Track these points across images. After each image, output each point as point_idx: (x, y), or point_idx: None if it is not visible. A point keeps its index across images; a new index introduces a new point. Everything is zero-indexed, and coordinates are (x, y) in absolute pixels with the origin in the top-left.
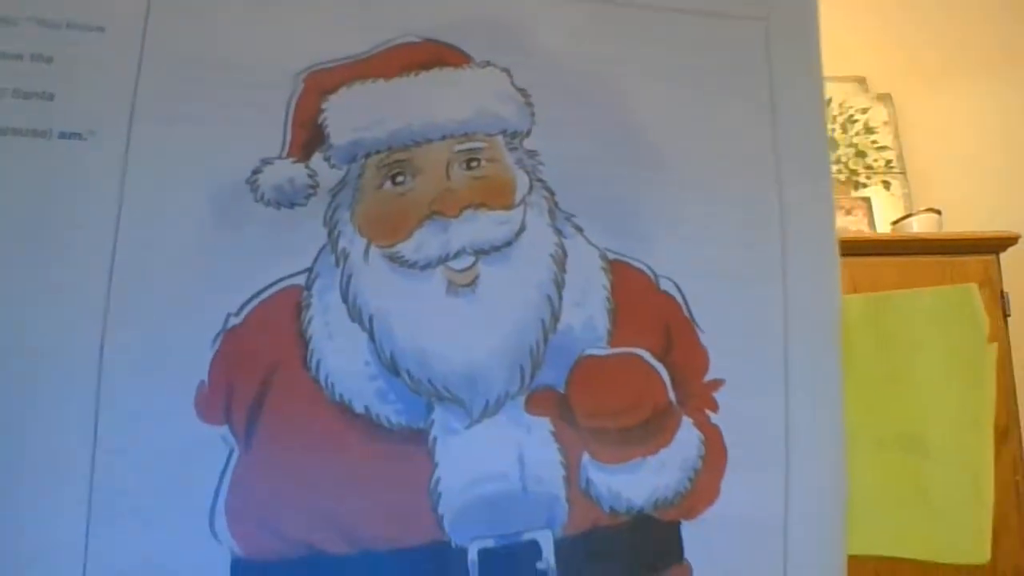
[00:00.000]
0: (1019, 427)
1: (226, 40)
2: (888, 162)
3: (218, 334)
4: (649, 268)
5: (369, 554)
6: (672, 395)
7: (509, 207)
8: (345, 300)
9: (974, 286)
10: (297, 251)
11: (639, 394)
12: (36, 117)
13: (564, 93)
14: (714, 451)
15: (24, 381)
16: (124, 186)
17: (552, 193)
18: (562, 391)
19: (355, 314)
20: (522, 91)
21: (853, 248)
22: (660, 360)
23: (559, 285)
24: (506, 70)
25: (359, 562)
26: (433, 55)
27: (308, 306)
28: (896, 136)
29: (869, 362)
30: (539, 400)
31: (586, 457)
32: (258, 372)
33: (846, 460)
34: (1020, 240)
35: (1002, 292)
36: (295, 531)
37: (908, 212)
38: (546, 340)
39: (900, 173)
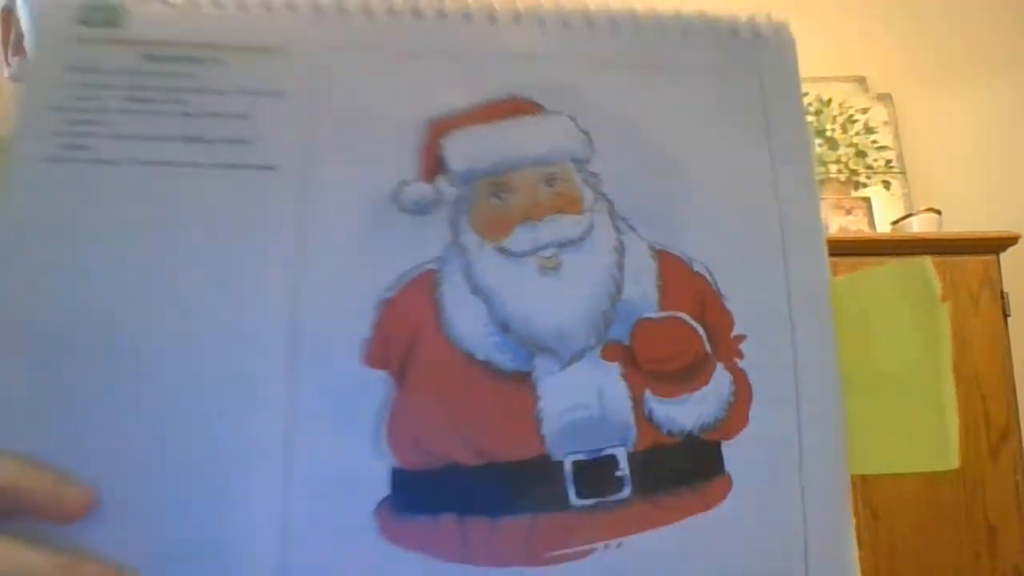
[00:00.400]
0: (1019, 427)
1: (372, 96)
2: (888, 162)
3: (378, 303)
4: (684, 254)
5: (493, 464)
6: (708, 347)
7: (579, 212)
8: (467, 280)
9: (927, 259)
10: (430, 245)
11: (683, 345)
12: (239, 156)
13: (611, 132)
14: (741, 388)
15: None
16: (303, 202)
17: (611, 203)
18: (627, 343)
19: (475, 289)
20: (584, 132)
21: (853, 248)
22: (697, 321)
23: (620, 268)
24: (571, 116)
25: (485, 470)
26: (518, 107)
27: (439, 284)
28: (896, 136)
29: (845, 326)
30: (611, 350)
31: (647, 392)
32: (407, 330)
33: (841, 392)
34: (1020, 240)
35: (1002, 292)
36: (438, 447)
37: (908, 212)
38: (613, 307)
39: (900, 173)
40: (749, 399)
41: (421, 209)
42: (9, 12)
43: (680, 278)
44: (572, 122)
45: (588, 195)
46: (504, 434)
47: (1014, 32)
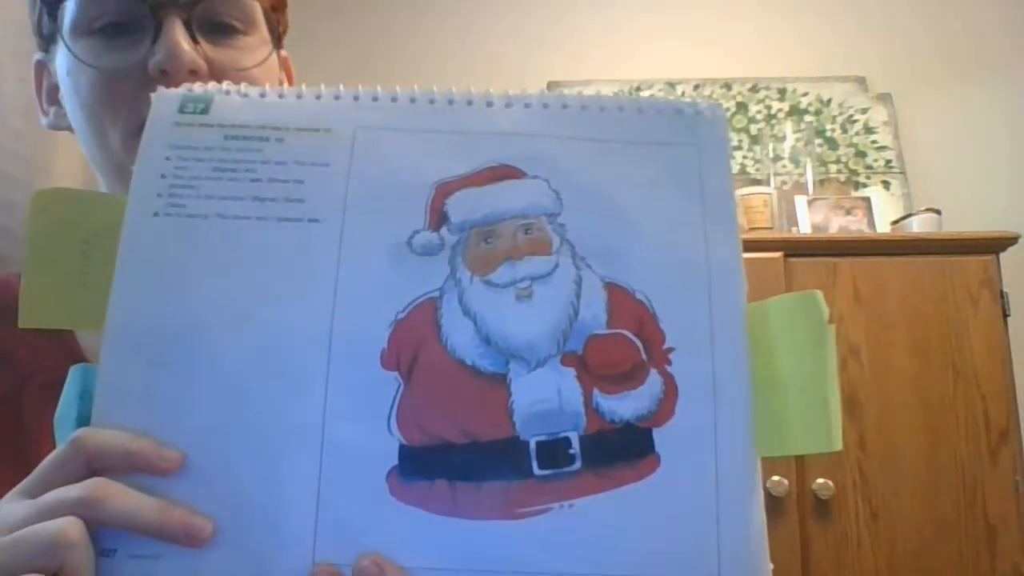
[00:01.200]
0: (1019, 427)
1: (393, 164)
2: (888, 162)
3: (391, 323)
4: (629, 285)
5: (475, 442)
6: (644, 356)
7: (549, 254)
8: (460, 304)
9: (817, 292)
10: (434, 278)
11: (624, 355)
12: (294, 211)
13: (577, 191)
14: (670, 388)
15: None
16: (339, 248)
17: (573, 246)
18: (580, 353)
19: (466, 312)
20: (555, 191)
21: (853, 248)
22: (636, 336)
23: (578, 296)
24: (546, 180)
25: (470, 447)
26: (505, 173)
27: (439, 308)
28: (896, 136)
29: (756, 341)
30: (568, 359)
31: (595, 390)
32: (413, 342)
33: (750, 392)
34: (1020, 240)
35: (1002, 292)
36: (434, 429)
37: (908, 212)
38: (571, 325)
39: (900, 173)
40: (675, 396)
41: (428, 252)
42: (43, 65)
43: (624, 304)
44: (546, 184)
45: (556, 241)
46: (484, 420)
47: (1015, 32)
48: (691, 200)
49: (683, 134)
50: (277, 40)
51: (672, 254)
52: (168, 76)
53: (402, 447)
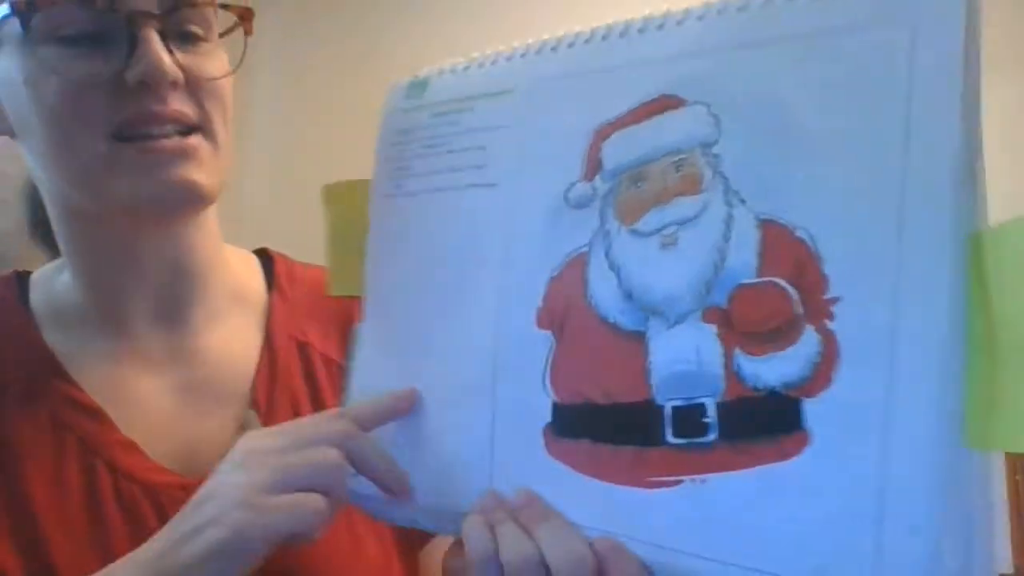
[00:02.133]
0: None
1: (558, 115)
2: None
3: (547, 280)
4: (788, 222)
5: (615, 404)
6: (800, 309)
7: (698, 192)
8: (607, 258)
9: None
10: (585, 232)
11: (775, 308)
12: (478, 177)
13: (740, 111)
14: (829, 349)
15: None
16: (509, 209)
17: (726, 179)
18: (725, 307)
19: (612, 265)
20: (715, 116)
21: None
22: (792, 284)
23: (727, 239)
24: (706, 104)
25: (611, 408)
26: (664, 104)
27: (588, 263)
28: None
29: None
30: (710, 313)
31: (738, 350)
32: (563, 300)
33: (954, 362)
34: None
35: None
36: (581, 389)
37: None
38: (716, 275)
39: None
40: (836, 359)
41: (582, 204)
42: None
43: (780, 245)
44: (706, 109)
45: (707, 175)
46: (623, 381)
47: (1015, 32)
48: (890, 101)
49: (888, 9)
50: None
51: (849, 176)
52: (148, 88)
53: (554, 405)
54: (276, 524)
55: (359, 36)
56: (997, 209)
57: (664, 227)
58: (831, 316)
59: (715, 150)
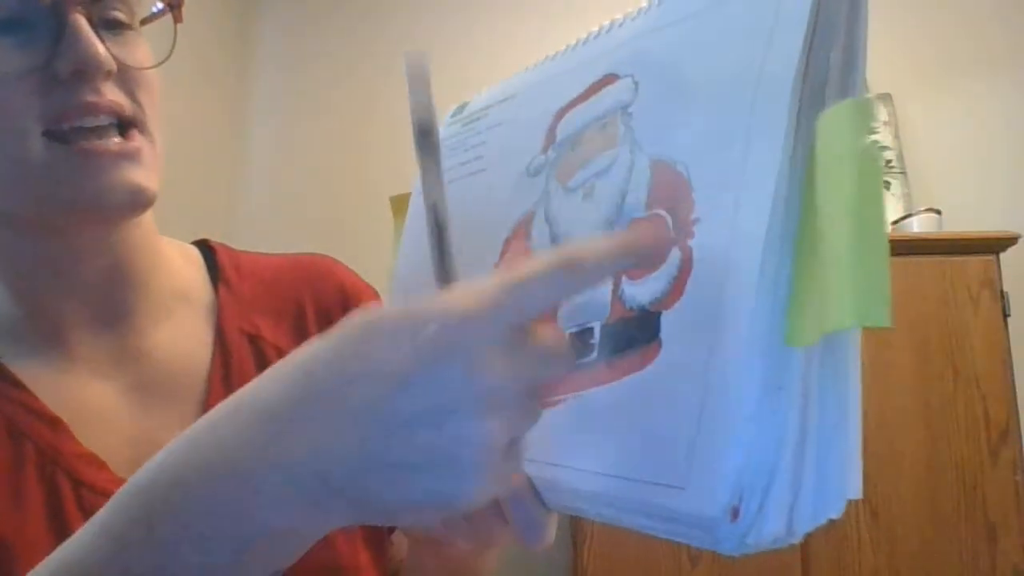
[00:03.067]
0: (1019, 427)
1: (534, 108)
2: (888, 162)
3: (502, 241)
4: (671, 159)
5: None
6: (672, 232)
7: (613, 147)
8: (545, 213)
9: (864, 101)
10: (534, 195)
11: (655, 236)
12: (479, 166)
13: (654, 75)
14: (685, 263)
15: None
16: (490, 186)
17: (633, 132)
18: None
19: (547, 218)
20: (636, 83)
21: None
22: (670, 213)
23: (627, 182)
24: (633, 76)
25: None
26: (605, 81)
27: (532, 220)
28: (896, 136)
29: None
30: None
31: (624, 277)
32: (512, 256)
33: (764, 267)
34: (1020, 240)
35: (1002, 292)
36: None
37: (908, 212)
38: (618, 215)
39: (900, 173)
40: (687, 274)
41: (536, 172)
42: None
43: (665, 179)
44: (631, 79)
45: (621, 131)
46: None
47: (1015, 31)
48: (753, 49)
49: None
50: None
51: (714, 114)
52: (82, 77)
53: None
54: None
55: (360, 37)
56: (998, 207)
57: (586, 180)
58: (692, 235)
59: (630, 110)
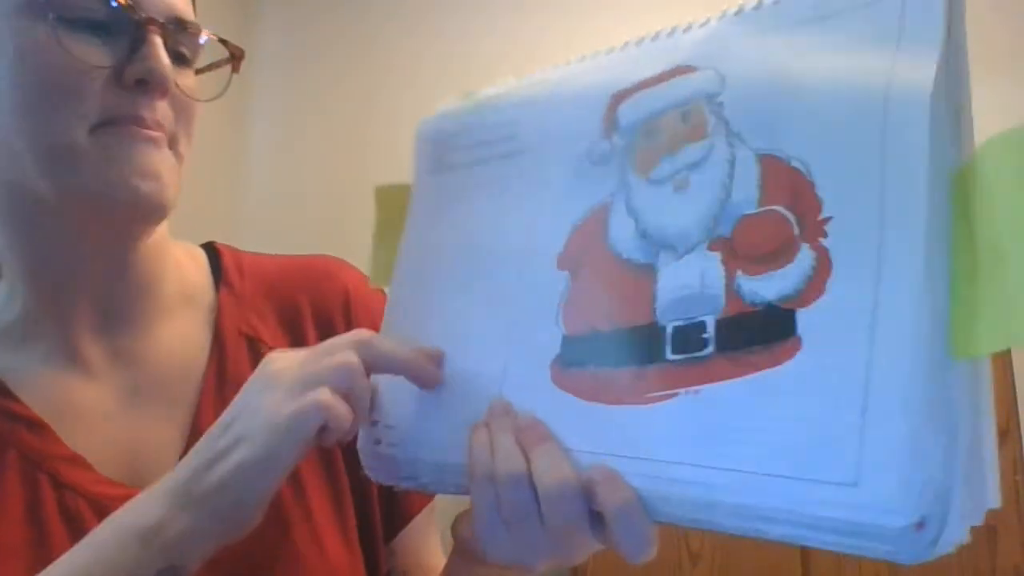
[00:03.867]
0: (1019, 427)
1: (579, 88)
2: None
3: (571, 230)
4: (783, 153)
5: (618, 330)
6: (796, 230)
7: (703, 138)
8: (627, 205)
9: None
10: (607, 185)
11: (774, 232)
12: (510, 146)
13: (743, 67)
14: (822, 263)
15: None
16: (534, 171)
17: (727, 123)
18: (728, 237)
19: (630, 211)
20: (722, 75)
21: None
22: (790, 209)
23: (731, 176)
24: (715, 68)
25: (613, 332)
26: (679, 71)
27: (610, 212)
28: None
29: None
30: (715, 243)
31: (739, 272)
32: (583, 245)
33: (939, 275)
34: None
35: None
36: (590, 320)
37: None
38: (722, 209)
39: None
40: (827, 272)
41: (602, 161)
42: None
43: (778, 175)
44: (713, 71)
45: (711, 121)
46: (630, 308)
47: (1014, 31)
48: (881, 49)
49: None
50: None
51: (838, 107)
52: (145, 87)
53: (564, 337)
54: (303, 427)
55: (361, 38)
56: None
57: (676, 172)
58: (824, 234)
59: (719, 99)
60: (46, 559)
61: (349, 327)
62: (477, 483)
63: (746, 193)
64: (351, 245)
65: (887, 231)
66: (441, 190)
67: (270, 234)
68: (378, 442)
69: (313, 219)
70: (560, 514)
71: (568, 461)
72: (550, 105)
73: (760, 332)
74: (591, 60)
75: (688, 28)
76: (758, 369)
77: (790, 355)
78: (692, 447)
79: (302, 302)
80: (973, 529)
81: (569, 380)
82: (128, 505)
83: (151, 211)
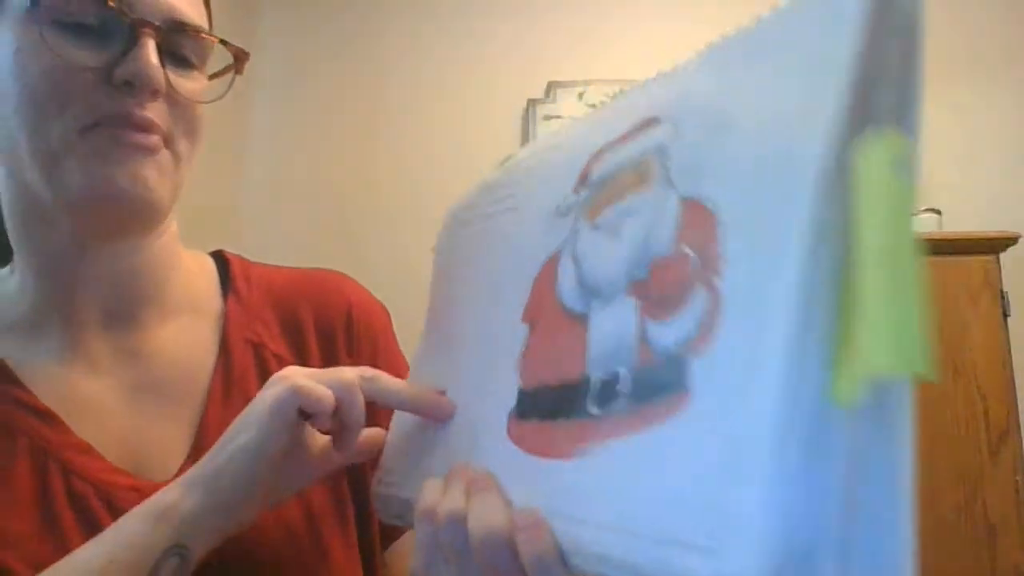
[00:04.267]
0: (1019, 427)
1: (569, 150)
2: None
3: (531, 282)
4: (701, 195)
5: (561, 384)
6: (698, 268)
7: (646, 187)
8: (572, 253)
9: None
10: (562, 234)
11: (680, 273)
12: (510, 202)
13: (694, 115)
14: (714, 305)
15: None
16: (521, 223)
17: (668, 171)
18: (644, 280)
19: (574, 259)
20: (676, 126)
21: None
22: (694, 250)
23: (656, 222)
24: (673, 119)
25: (556, 388)
26: (645, 123)
27: (560, 260)
28: None
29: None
30: (634, 287)
31: (648, 318)
32: (539, 296)
33: (807, 309)
34: (1020, 240)
35: (1002, 292)
36: (540, 373)
37: None
38: (643, 253)
39: None
40: (718, 316)
41: (566, 212)
42: None
43: (694, 218)
44: (671, 124)
45: (656, 171)
46: (569, 361)
47: (1014, 32)
48: (792, 89)
49: (812, 17)
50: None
51: (747, 153)
52: (132, 89)
53: (520, 391)
54: (282, 407)
55: (363, 40)
56: (998, 207)
57: (615, 219)
58: (720, 275)
59: (668, 151)
60: (57, 543)
61: (350, 341)
62: (419, 519)
63: (664, 235)
64: (351, 245)
65: (772, 279)
66: (453, 243)
67: (270, 233)
68: (379, 482)
69: (313, 218)
70: (486, 557)
71: (504, 510)
72: (542, 166)
73: (659, 384)
74: (586, 120)
75: (660, 77)
76: (650, 424)
77: (677, 409)
78: (594, 502)
79: (305, 314)
80: (973, 528)
81: (518, 432)
82: (158, 491)
83: (135, 213)
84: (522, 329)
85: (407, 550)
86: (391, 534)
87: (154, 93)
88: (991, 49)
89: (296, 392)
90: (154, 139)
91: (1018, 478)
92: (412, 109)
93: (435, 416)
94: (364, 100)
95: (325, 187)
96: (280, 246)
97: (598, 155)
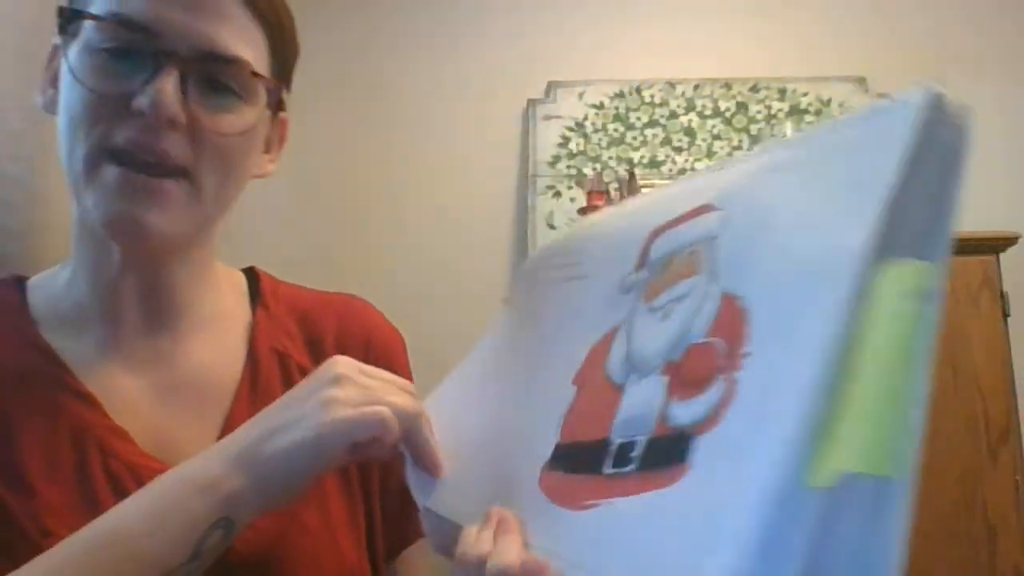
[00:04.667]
0: (1019, 427)
1: (631, 225)
2: None
3: (590, 348)
4: (737, 292)
5: (589, 441)
6: (723, 359)
7: (695, 275)
8: (627, 331)
9: (916, 266)
10: (623, 310)
11: (707, 361)
12: (574, 271)
13: (745, 209)
14: (729, 394)
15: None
16: (586, 293)
17: (715, 263)
18: (677, 362)
19: (627, 337)
20: (729, 216)
21: None
22: (725, 342)
23: (699, 311)
24: (725, 208)
25: (581, 445)
26: (701, 211)
27: (616, 335)
28: None
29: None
30: (667, 367)
31: (674, 397)
32: (593, 363)
33: (805, 406)
34: (1020, 240)
35: (1002, 292)
36: (575, 431)
37: None
38: (681, 339)
39: None
40: (728, 405)
41: (628, 289)
42: (58, 49)
43: (728, 311)
44: (723, 213)
45: (705, 261)
46: (596, 423)
47: (1013, 32)
48: (836, 199)
49: (866, 133)
50: (276, 106)
51: (788, 255)
52: (147, 119)
53: (556, 445)
54: (358, 431)
55: (362, 40)
56: (998, 207)
57: (667, 303)
58: (740, 368)
59: (717, 241)
60: (94, 516)
61: (368, 363)
62: (458, 560)
63: (701, 324)
64: (351, 244)
65: (783, 367)
66: (524, 296)
67: (271, 232)
68: (432, 503)
69: (313, 218)
70: None
71: (520, 552)
72: (605, 237)
73: (666, 454)
74: (647, 196)
75: (722, 166)
76: (651, 489)
77: (677, 479)
78: (591, 554)
79: (328, 332)
80: (973, 528)
81: (547, 482)
82: (185, 464)
83: (147, 248)
84: (570, 390)
85: (416, 559)
86: (398, 545)
87: (170, 123)
88: (992, 49)
89: (381, 425)
90: (164, 183)
91: (1018, 478)
92: (411, 109)
93: (428, 472)
94: (363, 100)
95: (318, 186)
96: (281, 243)
97: (658, 233)
